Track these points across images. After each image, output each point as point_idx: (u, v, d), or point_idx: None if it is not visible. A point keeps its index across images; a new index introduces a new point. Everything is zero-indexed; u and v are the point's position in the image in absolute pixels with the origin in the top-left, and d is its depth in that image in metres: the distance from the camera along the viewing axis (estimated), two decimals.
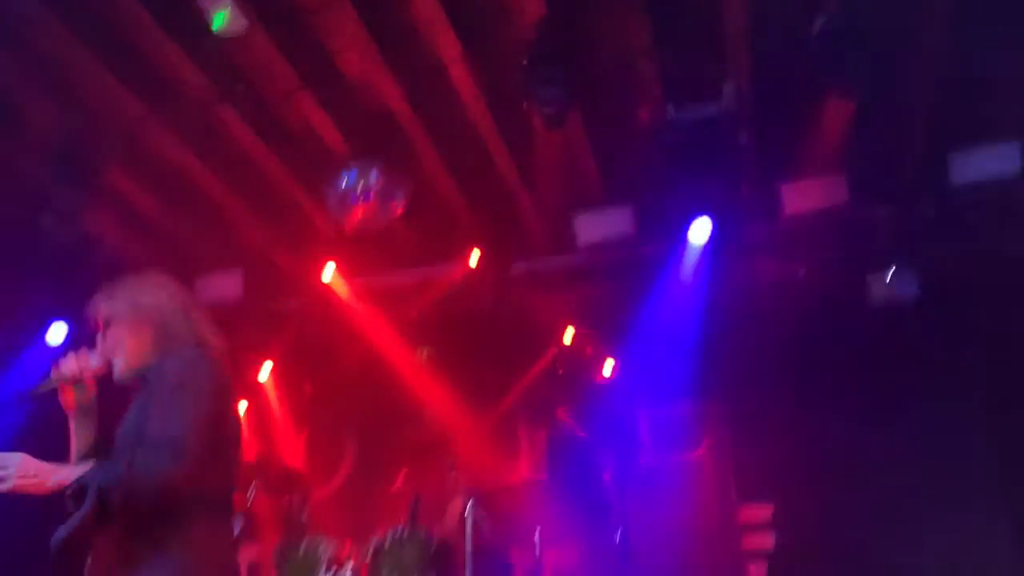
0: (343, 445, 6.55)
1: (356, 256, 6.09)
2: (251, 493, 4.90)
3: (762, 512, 6.12)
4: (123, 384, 2.68)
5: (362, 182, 5.25)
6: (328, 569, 4.61)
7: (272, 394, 6.66)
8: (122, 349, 2.67)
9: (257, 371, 6.59)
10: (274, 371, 6.63)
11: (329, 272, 6.10)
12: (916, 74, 4.66)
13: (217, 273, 6.32)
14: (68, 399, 2.66)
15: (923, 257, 5.58)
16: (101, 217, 5.74)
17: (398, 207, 5.37)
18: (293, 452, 6.44)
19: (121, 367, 2.67)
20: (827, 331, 5.96)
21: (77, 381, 2.65)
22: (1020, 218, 5.40)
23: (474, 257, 6.04)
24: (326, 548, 4.72)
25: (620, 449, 5.59)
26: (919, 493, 5.64)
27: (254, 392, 6.58)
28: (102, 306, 2.74)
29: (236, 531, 4.75)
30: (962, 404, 5.70)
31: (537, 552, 4.76)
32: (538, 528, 4.72)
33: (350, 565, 4.70)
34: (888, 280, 5.51)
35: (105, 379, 2.71)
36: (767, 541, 6.07)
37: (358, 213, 5.28)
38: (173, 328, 2.69)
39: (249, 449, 6.29)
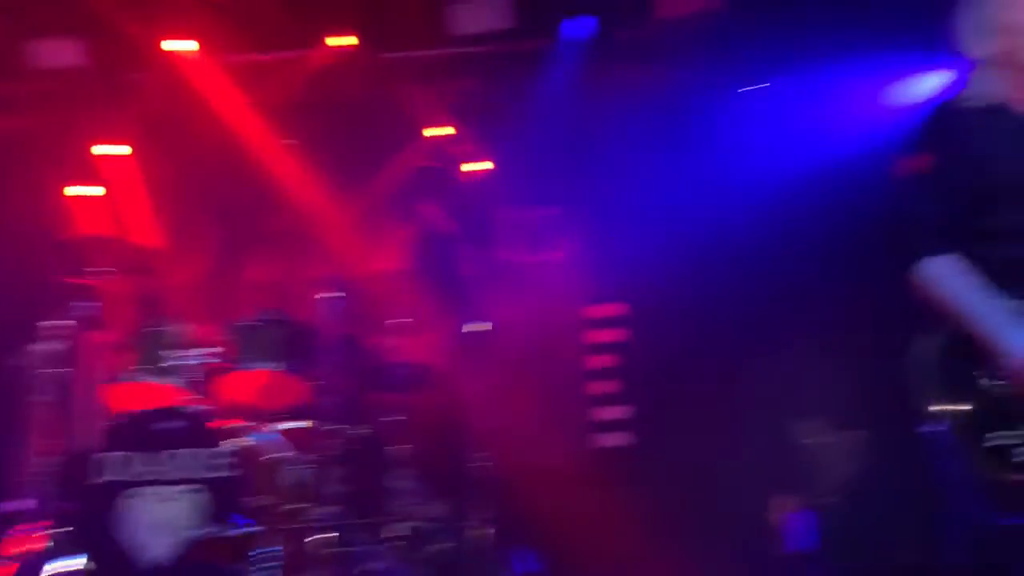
0: (203, 229, 6.38)
1: (218, 32, 5.70)
2: (101, 274, 4.78)
3: (612, 310, 6.52)
4: None
5: None
6: (186, 349, 4.63)
7: (124, 173, 6.33)
8: None
9: (105, 148, 6.23)
10: (129, 148, 6.28)
11: (183, 44, 5.70)
12: None
13: (58, 38, 5.80)
14: None
15: None
16: None
17: None
18: (147, 234, 6.24)
19: None
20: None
21: None
22: None
23: (341, 41, 5.76)
24: (186, 330, 4.71)
25: (482, 245, 5.73)
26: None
27: (106, 169, 6.24)
28: None
29: (89, 313, 4.71)
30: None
31: (397, 339, 4.93)
32: (398, 316, 4.86)
33: (211, 347, 4.74)
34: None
35: None
36: (613, 335, 6.51)
37: None
38: None
39: (102, 229, 6.06)
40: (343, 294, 4.68)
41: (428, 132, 6.18)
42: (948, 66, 2.68)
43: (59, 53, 5.89)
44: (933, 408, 2.37)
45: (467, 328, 5.05)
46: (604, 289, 6.45)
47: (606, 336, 6.54)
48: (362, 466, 4.74)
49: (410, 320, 4.90)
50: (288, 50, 6.06)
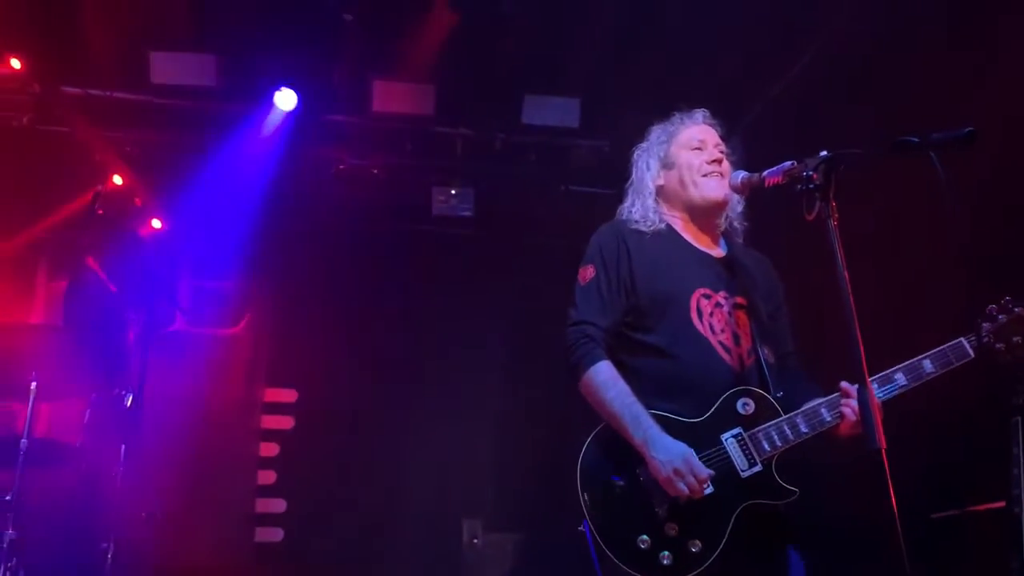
0: None
1: None
2: None
3: (286, 395, 6.24)
4: None
5: None
6: None
7: None
8: None
9: None
10: None
11: None
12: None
13: None
14: None
15: (484, 181, 6.04)
16: None
17: None
18: None
19: None
20: (388, 232, 6.20)
21: None
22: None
23: (16, 63, 5.13)
24: None
25: (152, 311, 5.23)
26: (432, 397, 6.14)
27: None
28: None
29: None
30: (491, 322, 6.28)
31: (31, 402, 4.25)
32: (36, 376, 4.20)
33: None
34: (451, 195, 5.87)
35: None
36: (285, 422, 6.22)
37: None
38: None
39: None
40: None
41: (107, 180, 5.61)
42: None
43: None
44: (586, 506, 2.45)
45: (125, 399, 4.50)
46: (279, 371, 6.19)
47: (276, 422, 6.23)
48: None
49: (44, 382, 4.23)
50: None
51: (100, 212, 4.78)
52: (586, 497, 2.46)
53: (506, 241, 6.31)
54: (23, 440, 4.02)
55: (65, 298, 5.32)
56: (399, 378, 6.14)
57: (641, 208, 2.78)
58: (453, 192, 5.95)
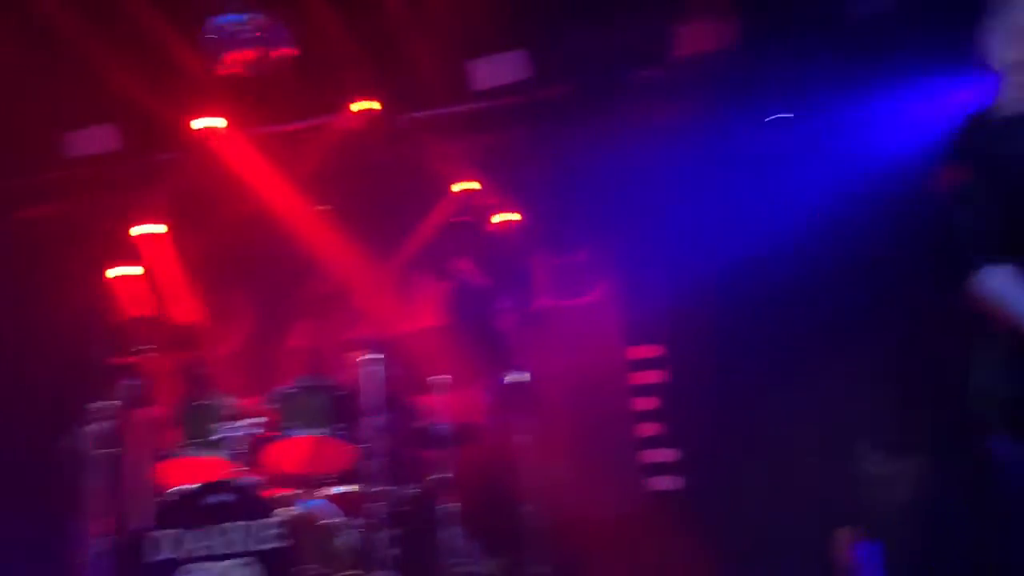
0: (238, 302, 6.47)
1: (243, 105, 5.84)
2: (145, 352, 4.86)
3: (651, 351, 6.46)
4: None
5: (242, 25, 4.98)
6: (232, 421, 4.65)
7: (161, 252, 6.47)
8: None
9: (142, 228, 6.38)
10: (163, 226, 6.43)
11: (208, 122, 5.86)
12: None
13: (91, 127, 5.99)
14: None
15: None
16: None
17: (283, 53, 5.14)
18: (188, 309, 6.33)
19: None
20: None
21: None
22: None
23: (364, 106, 5.87)
24: (229, 402, 4.74)
25: (517, 295, 5.72)
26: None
27: (142, 249, 6.38)
28: None
29: (135, 391, 4.78)
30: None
31: (439, 396, 4.91)
32: (438, 374, 4.84)
33: (255, 417, 4.76)
34: None
35: None
36: (656, 376, 6.44)
37: (238, 58, 5.03)
38: None
39: (142, 308, 6.16)
40: (382, 355, 4.70)
41: (455, 188, 6.23)
42: (975, 80, 2.65)
43: (93, 140, 6.08)
44: (1000, 423, 2.28)
45: (508, 380, 5.02)
46: (642, 330, 6.40)
47: (648, 378, 6.47)
48: (412, 527, 4.70)
49: (450, 377, 4.88)
50: (312, 118, 6.18)
51: (460, 219, 5.32)
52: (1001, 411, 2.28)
53: None
54: (444, 426, 4.68)
55: (448, 299, 6.00)
56: (764, 308, 5.95)
57: None
58: None
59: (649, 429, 6.41)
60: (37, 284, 6.14)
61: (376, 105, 5.98)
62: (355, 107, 5.91)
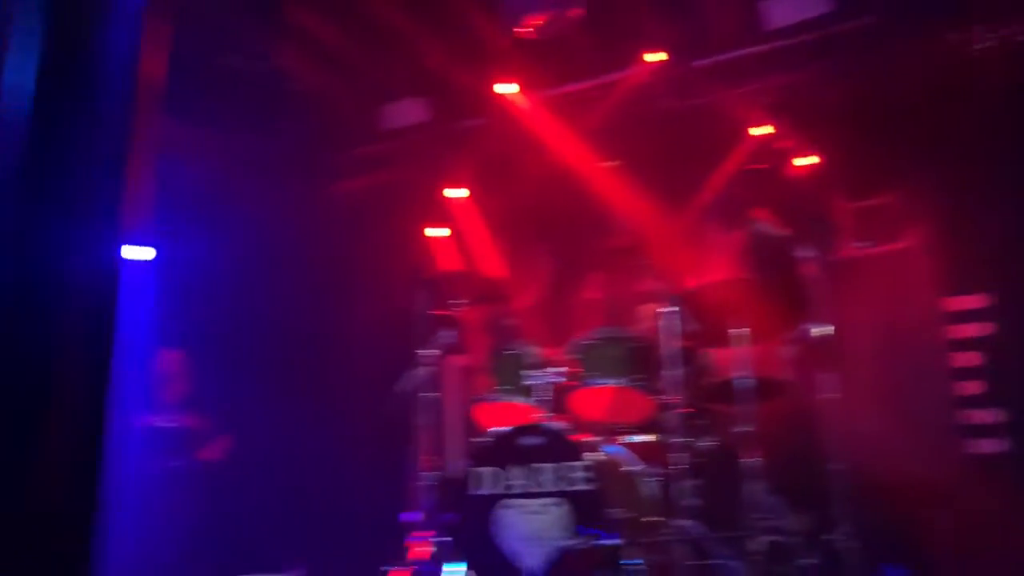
0: (537, 256, 6.77)
1: (536, 68, 6.05)
2: (458, 305, 5.25)
3: (974, 301, 5.87)
4: None
5: None
6: (537, 369, 4.89)
7: (468, 212, 6.94)
8: None
9: (450, 192, 6.88)
10: (469, 189, 6.90)
11: (507, 87, 6.15)
12: None
13: (402, 100, 6.51)
14: None
15: None
16: (287, 54, 5.97)
17: (574, 12, 5.22)
18: (492, 265, 6.74)
19: None
20: None
21: None
22: None
23: (655, 57, 5.84)
24: (533, 351, 5.00)
25: (819, 244, 5.43)
26: None
27: (450, 211, 6.88)
28: None
29: (450, 341, 5.19)
30: None
31: (738, 350, 4.82)
32: (738, 326, 4.74)
33: (558, 366, 4.97)
34: None
35: None
36: (981, 330, 5.85)
37: (535, 22, 5.19)
38: None
39: (453, 264, 6.67)
40: (678, 308, 4.70)
41: (752, 132, 6.01)
42: None
43: (404, 113, 6.62)
44: None
45: (812, 332, 4.81)
46: (963, 279, 5.83)
47: (970, 331, 5.90)
48: (712, 479, 4.69)
49: (750, 329, 4.76)
50: (603, 75, 6.26)
51: (755, 165, 5.14)
52: None
53: None
54: (745, 380, 4.59)
55: (744, 249, 5.85)
56: None
57: None
58: None
59: (970, 387, 5.88)
60: (365, 244, 6.83)
61: (663, 57, 5.93)
62: (649, 58, 5.88)
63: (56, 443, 1.42)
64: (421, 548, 4.67)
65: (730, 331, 4.80)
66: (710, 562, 4.37)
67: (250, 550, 5.28)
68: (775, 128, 5.96)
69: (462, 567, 4.39)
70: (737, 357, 4.77)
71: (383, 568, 4.62)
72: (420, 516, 4.80)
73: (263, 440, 5.94)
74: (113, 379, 1.51)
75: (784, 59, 5.72)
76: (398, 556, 4.70)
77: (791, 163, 5.96)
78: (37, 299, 1.44)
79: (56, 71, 1.45)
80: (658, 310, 4.73)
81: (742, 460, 4.57)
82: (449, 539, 4.56)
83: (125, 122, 1.51)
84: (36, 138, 1.45)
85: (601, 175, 6.26)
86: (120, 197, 1.52)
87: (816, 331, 4.86)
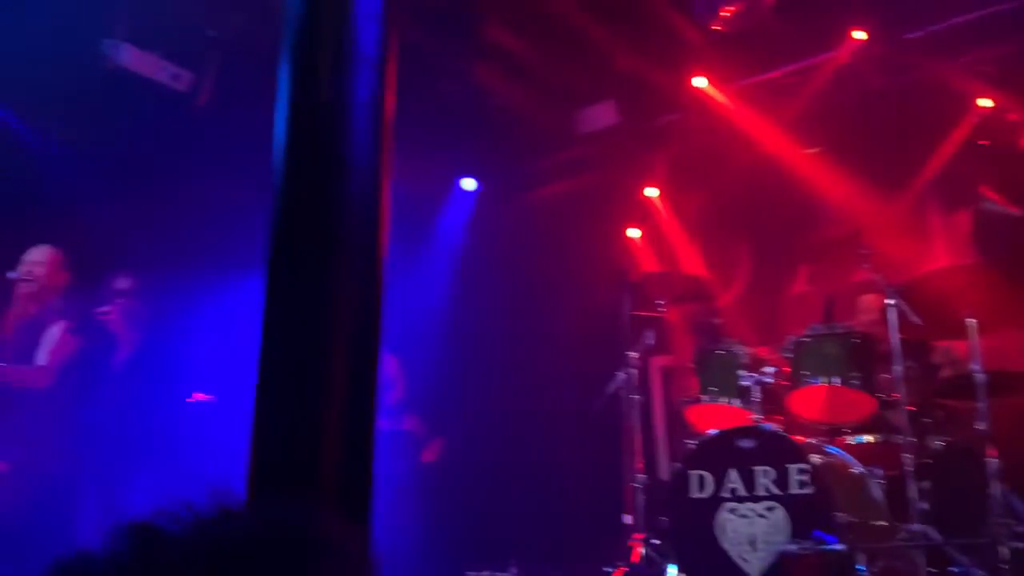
0: (738, 251, 6.59)
1: (730, 60, 5.90)
2: (660, 305, 5.21)
3: None
4: None
5: None
6: (749, 369, 4.76)
7: (664, 210, 6.88)
8: None
9: (649, 191, 6.85)
10: (662, 187, 6.83)
11: (701, 80, 6.04)
12: None
13: (593, 105, 6.56)
14: None
15: None
16: (485, 72, 6.18)
17: (769, 1, 5.06)
18: (692, 263, 6.64)
19: None
20: None
21: None
22: None
23: (862, 35, 5.53)
24: (744, 351, 4.86)
25: None
26: None
27: (647, 211, 6.84)
28: None
29: (650, 342, 5.17)
30: None
31: (967, 342, 4.46)
32: (967, 316, 4.39)
33: (768, 366, 4.81)
34: None
35: None
36: None
37: (727, 13, 5.07)
38: None
39: (652, 265, 6.63)
40: (897, 299, 4.42)
41: (977, 104, 5.54)
42: None
43: (596, 117, 6.65)
44: None
45: None
46: None
47: None
48: (944, 481, 4.38)
49: (981, 318, 4.39)
50: (800, 60, 6.01)
51: (979, 142, 4.75)
52: None
53: None
54: (977, 374, 4.25)
55: (971, 232, 5.41)
56: None
57: None
58: None
59: None
60: (568, 248, 6.93)
61: (862, 36, 5.60)
62: (856, 35, 5.58)
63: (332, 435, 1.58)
64: (632, 551, 4.67)
65: (960, 321, 4.45)
66: (950, 569, 4.09)
67: (475, 550, 5.48)
68: (998, 101, 5.47)
69: (673, 571, 4.35)
70: (966, 350, 4.42)
71: (605, 569, 4.66)
72: (630, 519, 4.80)
73: (477, 442, 6.17)
74: (378, 379, 1.67)
75: (1005, 25, 5.24)
76: (621, 557, 4.72)
77: (1020, 136, 5.45)
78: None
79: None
80: (883, 302, 4.47)
81: (978, 461, 4.23)
82: (661, 542, 4.54)
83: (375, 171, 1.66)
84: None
85: (806, 163, 6.01)
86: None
87: None
